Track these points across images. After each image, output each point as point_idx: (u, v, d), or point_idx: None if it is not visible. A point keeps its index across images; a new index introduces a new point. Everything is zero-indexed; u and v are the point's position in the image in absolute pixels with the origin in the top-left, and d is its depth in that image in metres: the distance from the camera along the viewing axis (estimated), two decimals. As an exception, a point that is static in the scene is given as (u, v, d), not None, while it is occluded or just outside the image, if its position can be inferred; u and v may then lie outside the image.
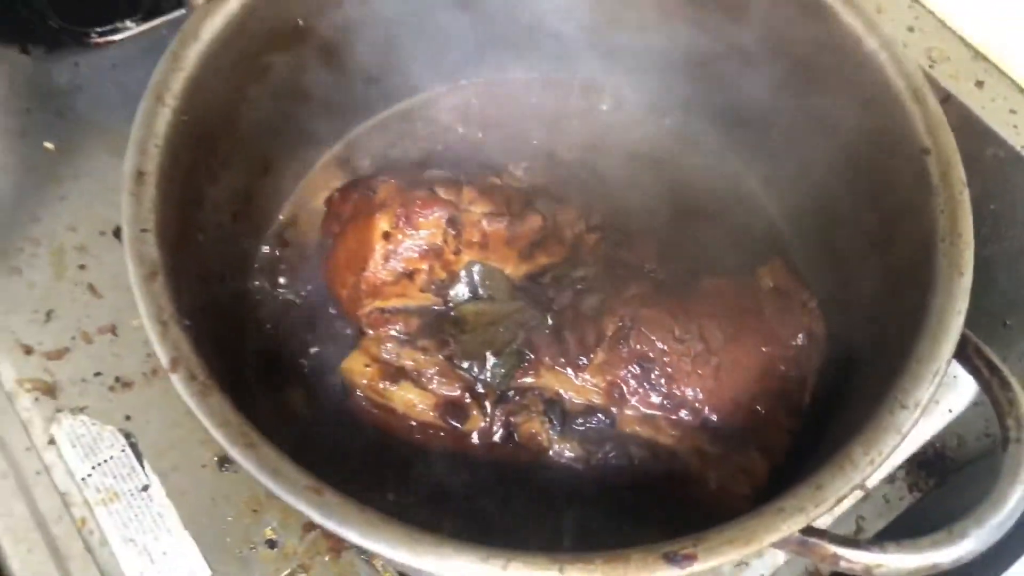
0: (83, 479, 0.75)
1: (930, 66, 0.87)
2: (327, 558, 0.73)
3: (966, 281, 0.55)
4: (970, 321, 0.96)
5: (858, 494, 0.80)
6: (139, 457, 0.76)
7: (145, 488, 0.75)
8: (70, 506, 0.75)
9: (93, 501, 0.75)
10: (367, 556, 0.74)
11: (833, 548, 0.47)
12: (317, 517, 0.46)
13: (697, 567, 0.45)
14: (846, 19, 0.64)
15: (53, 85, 0.95)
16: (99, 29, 0.97)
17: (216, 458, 0.77)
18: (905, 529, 0.98)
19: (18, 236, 0.86)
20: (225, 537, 0.73)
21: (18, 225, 0.86)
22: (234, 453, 0.47)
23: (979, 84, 0.86)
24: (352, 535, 0.45)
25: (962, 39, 0.88)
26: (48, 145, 0.91)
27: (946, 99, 0.86)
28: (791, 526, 0.46)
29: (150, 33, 0.98)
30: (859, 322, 0.65)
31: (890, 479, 1.10)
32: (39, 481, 0.76)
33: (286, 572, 0.72)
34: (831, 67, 0.67)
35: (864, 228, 0.66)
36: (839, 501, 0.48)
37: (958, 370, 0.86)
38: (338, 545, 0.74)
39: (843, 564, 0.47)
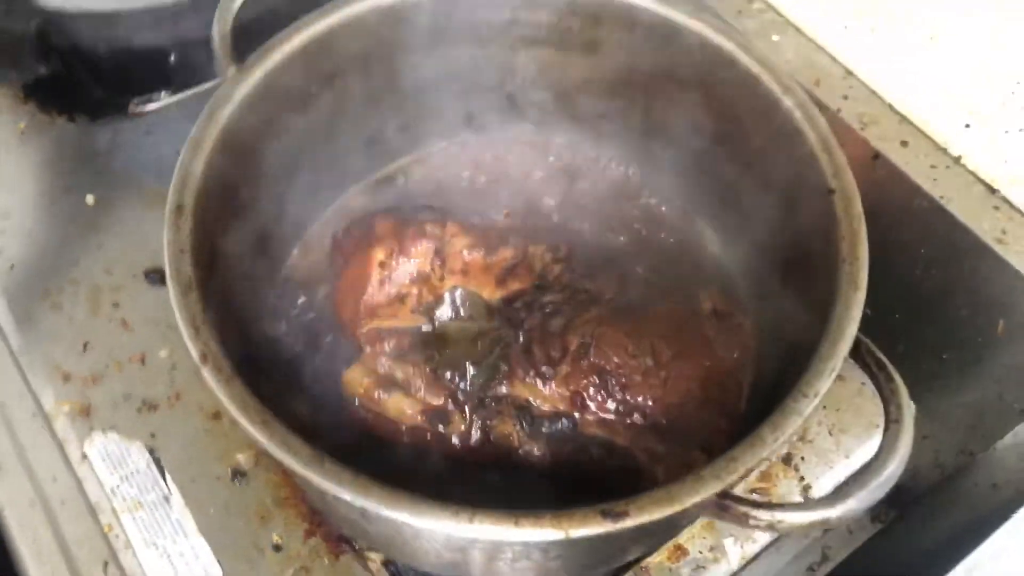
0: (111, 490, 0.84)
1: (861, 128, 0.97)
2: (327, 561, 0.81)
3: (861, 295, 0.64)
4: (911, 356, 1.05)
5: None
6: (161, 471, 0.84)
7: (166, 498, 0.83)
8: (99, 513, 0.83)
9: (119, 509, 0.83)
10: (363, 559, 0.82)
11: (744, 508, 0.56)
12: (316, 480, 0.55)
13: (629, 522, 0.54)
14: (767, 84, 0.76)
15: (95, 148, 1.06)
16: (137, 99, 1.08)
17: (230, 471, 0.85)
18: (870, 558, 1.05)
19: (61, 277, 0.96)
20: (236, 541, 0.81)
21: (61, 268, 0.97)
22: (251, 431, 0.57)
23: (904, 144, 0.96)
24: (346, 495, 0.55)
25: (890, 106, 0.98)
26: (89, 199, 1.01)
27: (876, 157, 0.96)
28: (709, 490, 0.56)
29: (181, 104, 1.09)
30: (785, 334, 0.74)
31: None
32: (73, 493, 0.84)
33: (289, 573, 0.80)
34: (759, 124, 0.78)
35: (788, 255, 0.76)
36: (749, 471, 0.57)
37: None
38: (337, 549, 0.82)
39: (751, 522, 0.56)
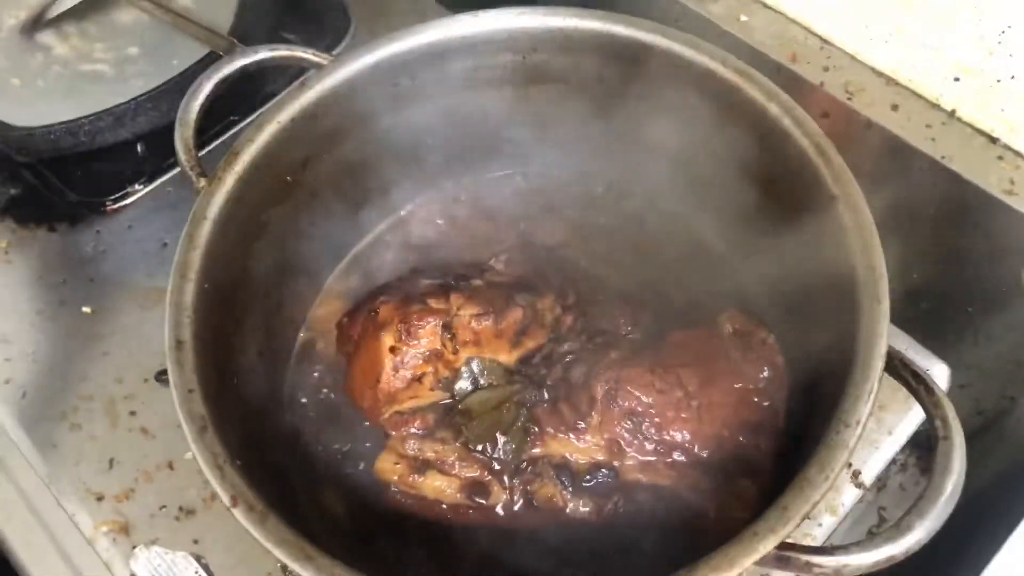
0: (165, 604, 0.84)
1: (848, 98, 0.95)
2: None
3: (884, 308, 0.63)
4: (936, 312, 1.04)
5: (842, 507, 0.86)
6: (212, 575, 0.84)
7: (221, 601, 0.83)
8: (155, 631, 0.83)
9: (177, 622, 0.83)
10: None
11: (806, 558, 0.55)
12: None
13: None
14: (750, 93, 0.74)
15: (81, 254, 1.04)
16: (112, 197, 1.06)
17: (279, 565, 0.85)
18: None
19: (73, 395, 0.95)
20: (294, 637, 0.82)
21: (72, 385, 0.95)
22: (295, 566, 0.56)
23: (895, 107, 0.94)
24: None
25: (873, 69, 0.96)
26: (85, 309, 1.00)
27: (868, 125, 0.94)
28: (766, 546, 0.55)
29: (156, 192, 1.08)
30: (813, 351, 0.73)
31: (902, 467, 1.17)
32: (126, 614, 0.85)
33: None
34: (748, 134, 0.76)
35: (809, 271, 0.74)
36: (804, 518, 0.56)
37: (932, 364, 0.94)
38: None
39: (816, 571, 0.55)
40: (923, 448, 1.10)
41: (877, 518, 1.14)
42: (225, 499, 0.58)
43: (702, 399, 0.73)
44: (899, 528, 0.55)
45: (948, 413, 0.58)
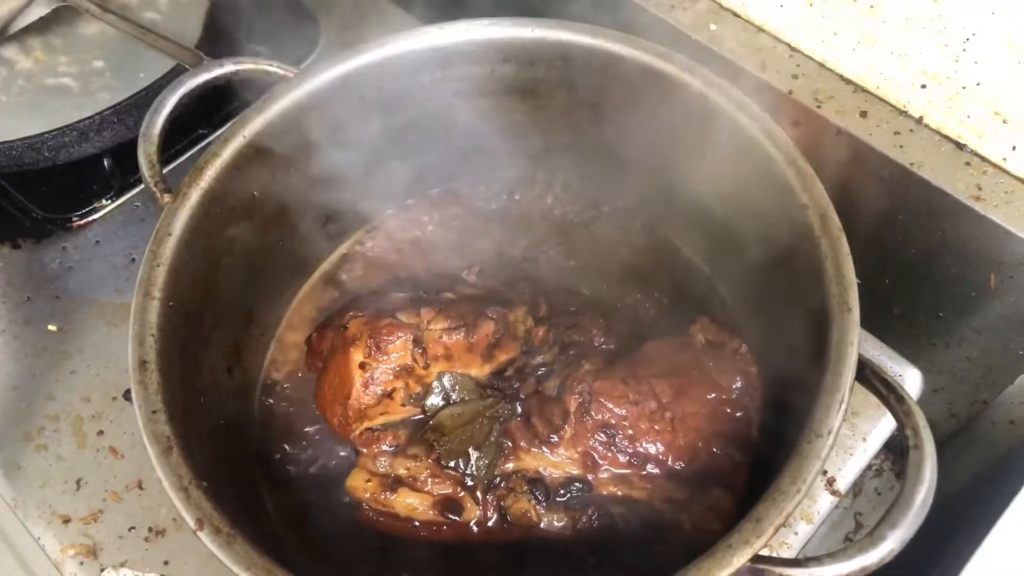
0: (136, 628, 0.83)
1: (818, 106, 0.95)
2: None
3: (854, 316, 0.63)
4: (908, 317, 1.04)
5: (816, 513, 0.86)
6: (182, 596, 0.83)
7: (191, 623, 0.81)
8: (124, 654, 0.82)
9: (145, 645, 0.82)
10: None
11: (779, 570, 0.55)
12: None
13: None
14: (720, 103, 0.74)
15: (46, 271, 1.02)
16: (78, 213, 1.05)
17: (252, 584, 0.84)
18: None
19: (39, 416, 0.93)
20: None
21: (37, 406, 0.94)
22: (264, 589, 0.55)
23: (863, 114, 0.94)
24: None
25: (841, 77, 0.97)
26: (51, 327, 0.98)
27: (838, 133, 0.94)
28: (740, 559, 0.54)
29: (124, 207, 1.06)
30: (786, 359, 0.72)
31: (878, 472, 1.17)
32: (93, 638, 0.83)
33: None
34: (719, 143, 0.76)
35: (777, 279, 0.74)
36: (777, 529, 0.55)
37: (905, 369, 0.95)
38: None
39: (790, 582, 0.54)
40: (897, 452, 1.10)
41: (854, 524, 1.14)
42: (191, 522, 0.57)
43: (675, 410, 0.73)
44: (872, 538, 0.55)
45: (919, 422, 0.58)
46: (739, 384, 0.73)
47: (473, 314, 0.75)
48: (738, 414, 0.73)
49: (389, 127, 0.85)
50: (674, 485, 0.71)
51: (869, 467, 1.10)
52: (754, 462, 0.73)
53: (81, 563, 0.85)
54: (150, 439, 0.60)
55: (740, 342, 0.75)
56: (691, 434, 0.72)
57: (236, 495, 0.67)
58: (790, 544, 0.85)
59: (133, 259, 1.03)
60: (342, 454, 0.79)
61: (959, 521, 0.91)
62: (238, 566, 0.56)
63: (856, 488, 1.12)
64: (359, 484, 0.73)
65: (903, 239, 0.97)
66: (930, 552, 0.89)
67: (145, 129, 0.73)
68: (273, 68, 0.79)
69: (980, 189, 0.89)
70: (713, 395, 0.73)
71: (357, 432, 0.73)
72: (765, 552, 0.56)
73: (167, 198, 0.70)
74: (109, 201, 1.07)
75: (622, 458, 0.72)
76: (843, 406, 0.59)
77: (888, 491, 1.17)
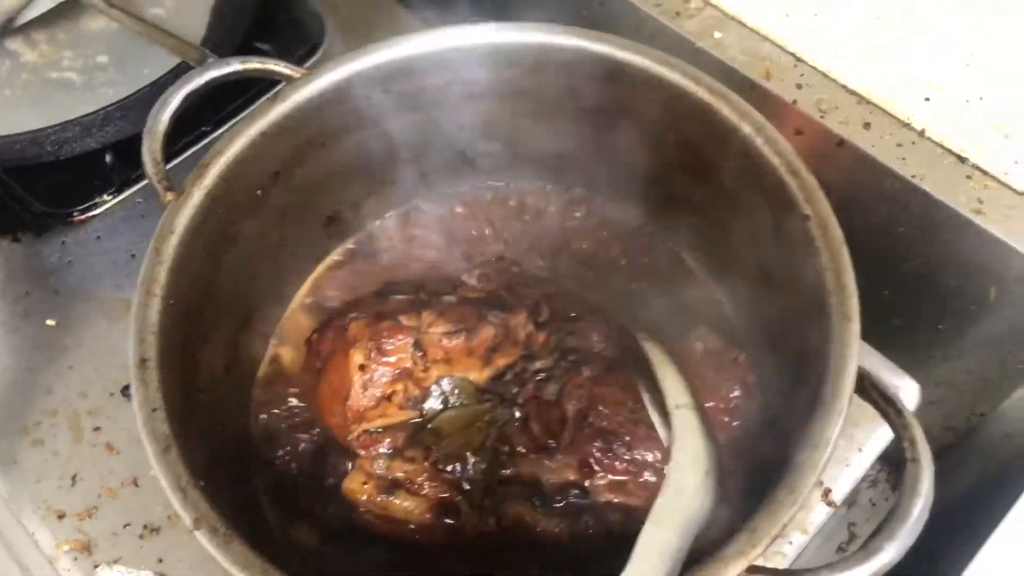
0: (128, 625, 0.82)
1: (821, 116, 0.95)
2: None
3: (855, 327, 0.63)
4: (908, 328, 1.05)
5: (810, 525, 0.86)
6: (175, 594, 0.82)
7: (184, 622, 0.81)
8: (116, 650, 0.81)
9: (137, 643, 0.81)
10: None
11: (774, 581, 0.55)
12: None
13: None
14: (723, 111, 0.74)
15: (45, 265, 1.02)
16: (79, 208, 1.05)
17: (246, 584, 0.84)
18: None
19: (36, 410, 0.93)
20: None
21: (34, 400, 0.94)
22: (260, 590, 0.55)
23: (867, 126, 0.94)
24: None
25: (845, 87, 0.96)
26: (50, 322, 0.98)
27: (840, 143, 0.94)
28: (735, 569, 0.54)
29: (125, 202, 1.06)
30: (786, 371, 0.73)
31: (872, 483, 1.17)
32: (85, 633, 0.82)
33: None
34: (721, 152, 0.76)
35: (780, 289, 0.74)
36: (773, 540, 0.56)
37: (902, 381, 0.95)
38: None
39: (785, 594, 0.54)
40: (893, 463, 1.10)
41: (847, 534, 1.14)
42: (188, 521, 0.57)
43: None
44: (868, 551, 0.55)
45: (917, 434, 0.58)
46: (737, 393, 0.74)
47: (474, 318, 0.75)
48: (736, 423, 0.73)
49: (394, 129, 0.85)
50: None
51: (864, 478, 1.10)
52: (751, 471, 0.73)
53: (75, 559, 0.85)
54: (149, 437, 0.60)
55: (739, 351, 0.75)
56: None
57: (232, 495, 0.67)
58: (785, 554, 0.85)
59: (133, 255, 1.03)
60: (340, 455, 0.79)
61: (955, 533, 0.91)
62: (234, 566, 0.56)
63: (851, 499, 1.13)
64: (356, 486, 0.73)
65: (904, 251, 0.97)
66: (926, 564, 0.90)
67: (150, 126, 0.73)
68: (280, 68, 0.79)
69: (981, 203, 0.89)
70: (711, 404, 0.73)
71: (355, 434, 0.73)
72: (760, 563, 0.56)
73: (170, 196, 0.70)
74: (110, 197, 1.07)
75: (619, 465, 0.72)
76: (841, 418, 0.59)
77: (883, 502, 1.17)
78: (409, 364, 0.74)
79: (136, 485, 0.88)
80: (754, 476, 0.73)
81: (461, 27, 0.80)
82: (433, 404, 0.75)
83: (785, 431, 0.70)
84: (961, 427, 1.09)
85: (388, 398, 0.74)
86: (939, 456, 1.16)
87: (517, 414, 0.74)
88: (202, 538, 0.57)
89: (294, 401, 0.83)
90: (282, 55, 1.14)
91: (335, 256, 0.92)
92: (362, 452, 0.74)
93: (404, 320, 0.74)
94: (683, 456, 0.63)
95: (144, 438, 0.60)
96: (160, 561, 0.84)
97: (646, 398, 0.71)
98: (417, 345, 0.74)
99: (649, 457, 0.72)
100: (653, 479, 0.72)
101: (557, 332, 0.78)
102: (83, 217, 1.06)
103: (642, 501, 0.71)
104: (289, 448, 0.80)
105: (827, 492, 0.88)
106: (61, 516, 0.87)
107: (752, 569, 0.55)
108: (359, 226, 0.93)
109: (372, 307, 0.76)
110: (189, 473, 0.59)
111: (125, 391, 0.94)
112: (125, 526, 0.86)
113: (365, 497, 0.72)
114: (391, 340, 0.73)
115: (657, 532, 0.59)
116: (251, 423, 0.81)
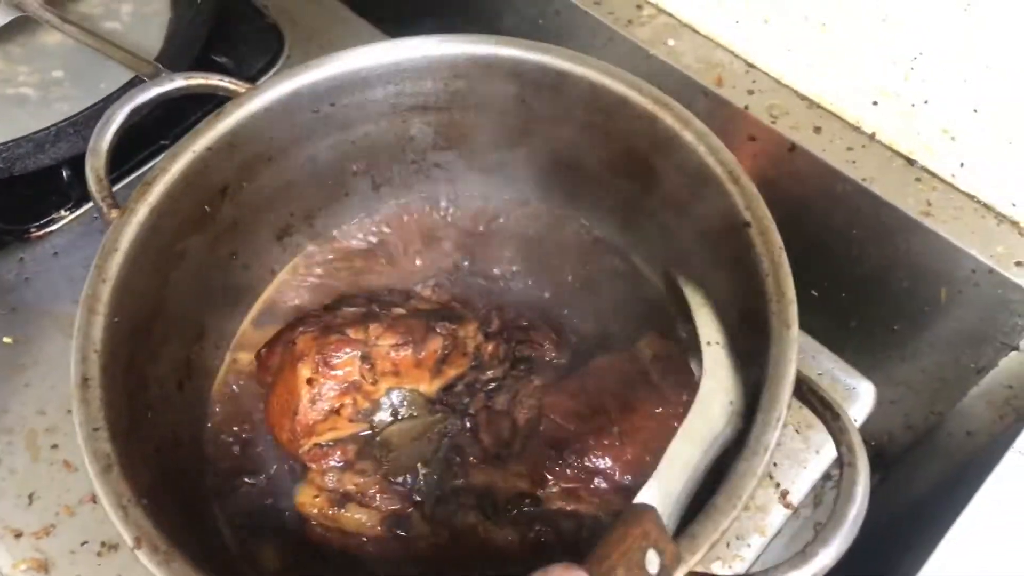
0: (87, 646, 0.82)
1: (773, 122, 0.96)
2: None
3: (794, 332, 0.63)
4: (864, 330, 1.06)
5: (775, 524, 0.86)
6: (134, 613, 0.83)
7: (144, 640, 0.81)
8: (77, 673, 0.81)
9: (99, 665, 0.81)
10: None
11: (714, 586, 0.55)
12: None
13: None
14: (666, 120, 0.74)
15: (2, 283, 1.01)
16: (36, 224, 1.04)
17: (206, 599, 0.84)
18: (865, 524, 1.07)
19: (-7, 429, 0.93)
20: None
21: (-9, 419, 0.94)
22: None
23: (817, 130, 0.95)
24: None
25: (796, 93, 0.98)
26: (6, 340, 0.97)
27: (792, 148, 0.96)
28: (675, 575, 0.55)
29: (83, 217, 1.05)
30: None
31: (836, 483, 1.18)
32: (44, 655, 0.82)
33: None
34: (665, 160, 0.77)
35: (723, 294, 0.75)
36: (713, 545, 0.56)
37: (858, 382, 0.96)
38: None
39: (724, 598, 0.55)
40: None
41: (813, 534, 1.14)
42: (128, 540, 0.57)
43: (623, 424, 0.73)
44: (804, 555, 0.55)
45: (854, 439, 0.59)
46: (686, 398, 0.74)
47: (422, 329, 0.75)
48: None
49: (344, 141, 0.85)
50: (623, 499, 0.72)
51: (829, 477, 1.11)
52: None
53: (32, 578, 0.85)
54: (90, 456, 0.60)
55: (686, 356, 0.76)
56: (639, 448, 0.73)
57: (183, 511, 0.67)
58: (743, 557, 0.86)
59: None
60: (292, 470, 0.79)
61: (917, 531, 0.92)
62: (176, 586, 0.56)
63: (816, 499, 1.13)
64: (307, 500, 0.73)
65: (857, 253, 0.98)
66: (888, 562, 0.91)
67: (93, 144, 0.73)
68: (224, 83, 0.79)
69: (930, 205, 0.90)
70: (660, 409, 0.74)
71: (305, 448, 0.73)
72: (700, 569, 0.56)
73: (115, 213, 0.70)
74: (67, 212, 1.06)
75: (571, 472, 0.72)
76: (780, 422, 0.60)
77: (848, 501, 1.18)
78: (357, 377, 0.74)
79: (94, 502, 0.87)
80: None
81: (406, 40, 0.80)
82: (383, 416, 0.75)
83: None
84: (920, 426, 1.11)
85: (337, 411, 0.74)
86: (901, 455, 1.17)
87: (468, 424, 0.75)
88: (143, 557, 0.57)
89: (247, 418, 0.82)
90: (240, 67, 1.15)
91: (288, 269, 0.92)
92: (312, 466, 0.74)
93: (352, 333, 0.74)
94: (712, 383, 0.65)
95: (86, 457, 0.60)
96: (119, 579, 0.84)
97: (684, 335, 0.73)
98: (365, 358, 0.74)
99: (600, 464, 0.72)
100: (605, 486, 0.72)
101: (508, 342, 0.79)
102: (40, 233, 1.05)
103: (594, 508, 0.72)
104: (242, 462, 0.79)
105: (784, 494, 0.89)
106: (18, 535, 0.86)
107: (692, 575, 0.55)
108: (313, 238, 0.93)
109: (320, 321, 0.76)
110: (132, 491, 0.59)
111: (82, 408, 0.93)
112: (83, 544, 0.85)
113: (316, 511, 0.72)
114: (338, 353, 0.73)
115: (682, 447, 0.62)
116: (205, 438, 0.81)
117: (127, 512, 0.58)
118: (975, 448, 1.05)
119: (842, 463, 0.59)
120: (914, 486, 1.16)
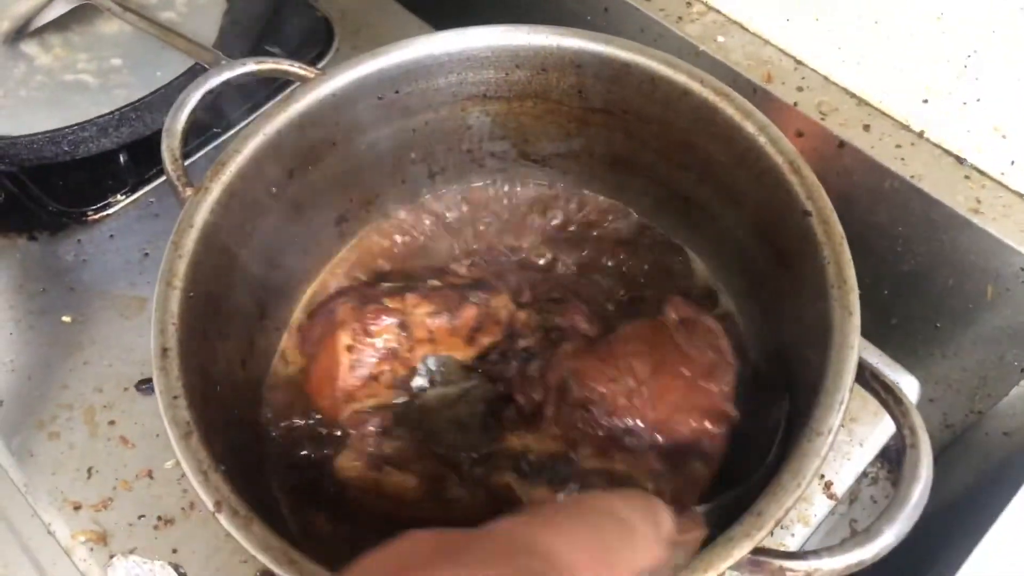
0: (142, 613, 0.84)
1: (822, 118, 0.97)
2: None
3: (855, 320, 0.64)
4: (906, 327, 1.06)
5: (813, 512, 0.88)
6: (189, 584, 0.83)
7: (199, 612, 0.82)
8: (129, 639, 0.83)
9: (153, 632, 0.83)
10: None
11: (779, 562, 0.56)
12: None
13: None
14: (727, 111, 0.76)
15: (61, 263, 1.04)
16: (94, 207, 1.07)
17: (258, 574, 0.86)
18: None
19: (52, 405, 0.94)
20: (274, 648, 0.82)
21: (50, 395, 0.95)
22: (280, 571, 0.57)
23: (866, 127, 0.96)
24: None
25: (846, 90, 0.99)
26: (65, 319, 1.00)
27: (841, 145, 0.96)
28: (741, 551, 0.56)
29: (139, 202, 1.08)
30: (787, 360, 0.75)
31: (873, 480, 1.19)
32: (100, 622, 0.84)
33: None
34: (724, 151, 0.78)
35: (778, 282, 0.76)
36: (778, 523, 0.57)
37: (902, 377, 0.97)
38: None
39: (788, 574, 0.56)
40: (894, 461, 1.11)
41: (848, 530, 1.15)
42: (209, 504, 0.59)
43: (652, 385, 0.74)
44: (869, 533, 0.56)
45: (916, 422, 0.60)
46: (711, 357, 0.75)
47: (456, 299, 0.77)
48: (712, 387, 0.74)
49: (404, 128, 0.87)
50: (653, 457, 0.72)
51: (865, 475, 1.12)
52: (731, 435, 0.74)
53: (91, 549, 0.86)
54: (171, 424, 0.62)
55: (710, 318, 0.77)
56: (668, 408, 0.73)
57: (248, 483, 0.68)
58: (787, 545, 0.87)
59: (146, 253, 1.05)
60: (334, 438, 0.80)
61: (952, 530, 0.93)
62: (255, 547, 0.57)
63: (852, 495, 1.14)
64: (347, 464, 0.74)
65: (902, 250, 0.99)
66: (924, 560, 0.91)
67: (169, 124, 0.75)
68: (294, 68, 0.81)
69: (979, 202, 0.91)
70: (687, 369, 0.74)
71: (346, 414, 0.75)
72: (764, 546, 0.57)
73: (189, 191, 0.72)
74: (124, 196, 1.08)
75: (602, 434, 0.73)
76: (842, 407, 0.61)
77: (883, 499, 1.18)
78: (395, 344, 0.76)
79: (151, 477, 0.90)
80: (738, 441, 0.74)
81: (471, 30, 0.82)
82: (420, 382, 0.77)
83: (788, 421, 0.72)
84: (959, 425, 1.11)
85: (376, 378, 0.75)
86: (938, 455, 1.17)
87: (502, 389, 0.76)
88: (224, 520, 0.58)
89: (301, 392, 0.84)
90: (292, 59, 1.17)
91: (344, 253, 0.93)
92: (353, 431, 0.76)
93: (389, 303, 0.76)
94: None
95: (167, 424, 0.62)
96: (174, 552, 0.86)
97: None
98: (402, 326, 0.76)
99: (631, 424, 0.73)
100: (636, 445, 0.73)
101: (540, 312, 0.80)
102: (97, 216, 1.07)
103: (625, 467, 0.72)
104: (294, 436, 0.81)
105: (828, 485, 0.90)
106: (77, 507, 0.89)
107: (757, 551, 0.57)
108: (368, 223, 0.94)
109: (359, 292, 0.79)
110: (210, 458, 0.61)
111: (139, 386, 0.95)
112: (140, 517, 0.88)
113: (356, 475, 0.74)
114: (376, 321, 0.75)
115: None
116: (261, 416, 0.83)
117: (207, 476, 0.60)
118: (1013, 447, 1.05)
119: (905, 445, 0.60)
120: (949, 486, 1.16)
